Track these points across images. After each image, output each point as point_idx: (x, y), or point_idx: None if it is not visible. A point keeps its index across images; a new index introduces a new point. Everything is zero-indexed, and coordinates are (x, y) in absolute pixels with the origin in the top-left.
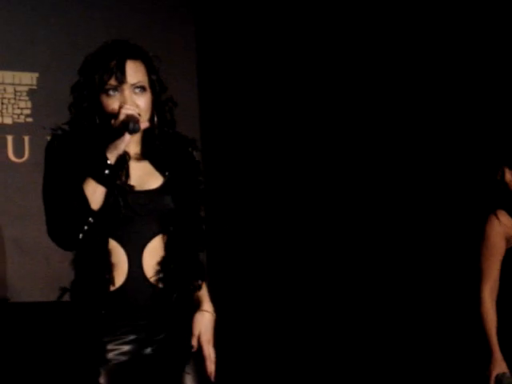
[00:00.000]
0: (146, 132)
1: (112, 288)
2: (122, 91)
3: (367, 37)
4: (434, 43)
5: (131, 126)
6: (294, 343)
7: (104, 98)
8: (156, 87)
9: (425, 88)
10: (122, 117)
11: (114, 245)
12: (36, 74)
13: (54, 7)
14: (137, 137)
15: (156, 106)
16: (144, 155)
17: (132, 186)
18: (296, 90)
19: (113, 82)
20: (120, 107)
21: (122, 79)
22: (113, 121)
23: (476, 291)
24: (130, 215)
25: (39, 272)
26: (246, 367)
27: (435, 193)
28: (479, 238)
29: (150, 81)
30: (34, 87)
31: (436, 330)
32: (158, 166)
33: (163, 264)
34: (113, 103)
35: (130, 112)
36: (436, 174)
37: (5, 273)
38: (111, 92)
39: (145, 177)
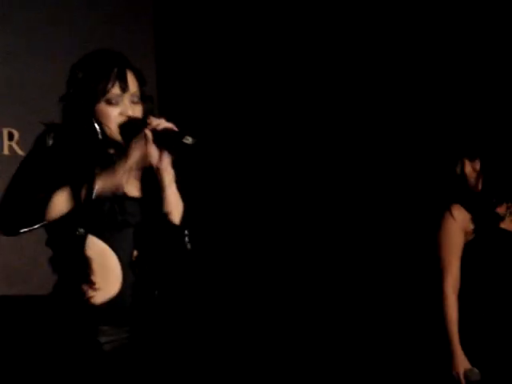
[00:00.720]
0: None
1: (106, 297)
2: (122, 100)
3: (359, 32)
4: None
5: (190, 140)
6: (290, 343)
7: (104, 107)
8: (145, 98)
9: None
10: (159, 128)
11: (106, 250)
12: None
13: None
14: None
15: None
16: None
17: (126, 192)
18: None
19: (116, 91)
20: (148, 121)
21: (124, 88)
22: (148, 133)
23: (437, 287)
24: (122, 222)
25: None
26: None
27: (392, 186)
28: (437, 233)
29: (141, 92)
30: None
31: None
32: (144, 174)
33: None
34: (113, 111)
35: (166, 125)
36: (391, 168)
37: None
38: (113, 101)
39: (134, 183)
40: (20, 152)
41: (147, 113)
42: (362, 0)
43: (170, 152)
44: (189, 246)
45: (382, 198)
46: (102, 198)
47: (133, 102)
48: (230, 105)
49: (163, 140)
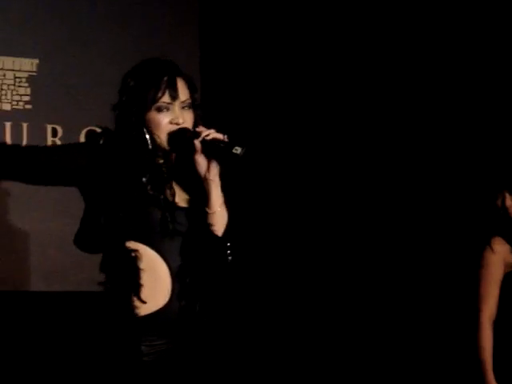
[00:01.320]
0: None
1: (155, 307)
2: (172, 107)
3: (371, 34)
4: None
5: (239, 151)
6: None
7: (154, 115)
8: (196, 105)
9: (428, 105)
10: (208, 138)
11: (158, 259)
12: (36, 61)
13: None
14: (171, 153)
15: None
16: (179, 172)
17: (174, 202)
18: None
19: (166, 99)
20: (185, 131)
21: (174, 96)
22: (198, 143)
23: (474, 316)
24: (172, 231)
25: (38, 262)
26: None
27: (435, 217)
28: (477, 265)
29: (192, 99)
30: (34, 74)
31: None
32: (193, 184)
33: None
34: (163, 119)
35: (216, 135)
36: (436, 198)
37: (15, 264)
38: (163, 109)
39: (181, 194)
40: None
41: (197, 121)
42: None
43: (219, 162)
44: (230, 258)
45: (426, 224)
46: (153, 207)
47: (183, 110)
48: (273, 112)
49: (212, 150)
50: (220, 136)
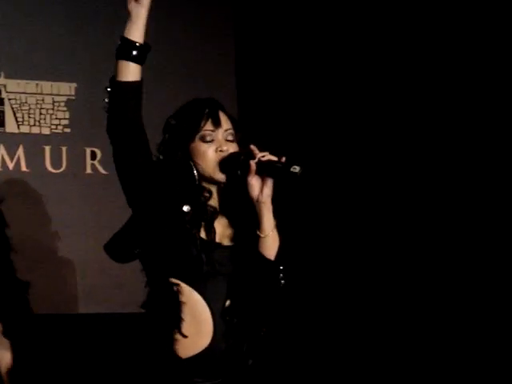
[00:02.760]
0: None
1: (197, 349)
2: (216, 136)
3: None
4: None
5: (297, 170)
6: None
7: (199, 145)
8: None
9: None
10: (264, 159)
11: (199, 301)
12: (74, 84)
13: (93, 18)
14: (216, 187)
15: None
16: (223, 208)
17: (215, 241)
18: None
19: (208, 127)
20: (239, 155)
21: (217, 123)
22: (253, 164)
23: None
24: (212, 271)
25: (74, 284)
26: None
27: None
28: None
29: (237, 136)
30: (73, 97)
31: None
32: (237, 220)
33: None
34: (209, 148)
35: (270, 157)
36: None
37: (44, 285)
38: (207, 138)
39: (225, 231)
40: (102, 171)
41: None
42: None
43: (276, 182)
44: (283, 282)
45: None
46: (190, 246)
47: (227, 140)
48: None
49: (269, 171)
50: (275, 158)
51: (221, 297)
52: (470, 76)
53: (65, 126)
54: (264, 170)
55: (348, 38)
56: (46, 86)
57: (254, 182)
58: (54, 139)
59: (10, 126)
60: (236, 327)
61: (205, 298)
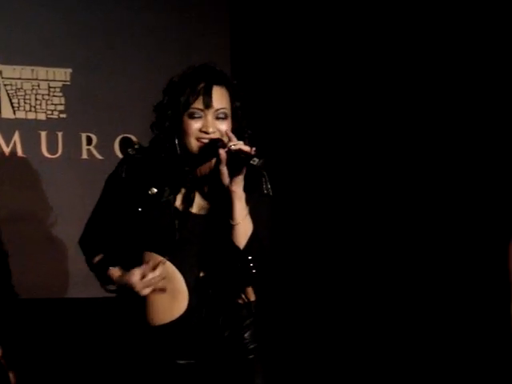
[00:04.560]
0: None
1: (171, 318)
2: (205, 115)
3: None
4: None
5: (256, 161)
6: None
7: (187, 120)
8: (238, 114)
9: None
10: (234, 148)
11: (174, 272)
12: (70, 70)
13: (88, 3)
14: (199, 162)
15: (236, 133)
16: (205, 181)
17: (191, 211)
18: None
19: (199, 105)
20: (217, 142)
21: (208, 103)
22: (223, 152)
23: (505, 300)
24: (186, 239)
25: (71, 268)
26: None
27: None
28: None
29: (233, 108)
30: (68, 83)
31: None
32: (219, 195)
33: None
34: (194, 125)
35: (241, 147)
36: (459, 192)
37: (40, 270)
38: (196, 115)
39: (204, 204)
40: (98, 156)
41: (225, 132)
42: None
43: (238, 173)
44: (254, 271)
45: (457, 207)
46: (167, 215)
47: (217, 119)
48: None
49: (234, 161)
50: (247, 148)
51: (196, 268)
52: (470, 76)
53: (60, 112)
54: (232, 160)
55: (346, 33)
56: (42, 71)
57: (225, 171)
58: (49, 125)
59: (6, 112)
60: (210, 298)
61: (180, 269)
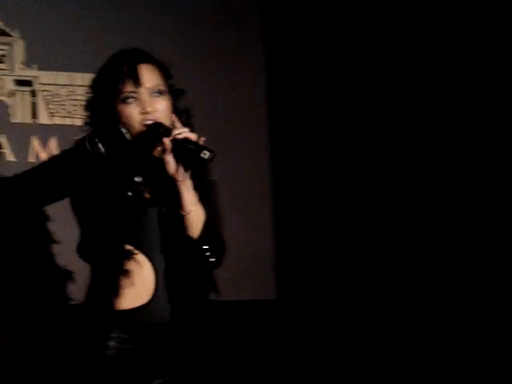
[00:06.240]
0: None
1: (138, 303)
2: (139, 96)
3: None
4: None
5: (207, 155)
6: None
7: (122, 107)
8: (174, 92)
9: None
10: (180, 137)
11: (142, 259)
12: None
13: (122, 10)
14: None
15: (175, 111)
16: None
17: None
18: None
19: (128, 88)
20: (160, 127)
21: (137, 84)
22: (168, 142)
23: None
24: (143, 223)
25: None
26: None
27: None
28: None
29: (168, 85)
30: None
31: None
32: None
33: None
34: (132, 110)
35: (187, 135)
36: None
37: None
38: (129, 100)
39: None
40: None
41: (166, 112)
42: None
43: (186, 165)
44: (212, 259)
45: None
46: (129, 206)
47: (152, 97)
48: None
49: (181, 151)
50: (193, 136)
51: (164, 256)
52: (471, 76)
53: None
54: (177, 150)
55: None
56: (78, 77)
57: (170, 159)
58: (86, 130)
59: (43, 118)
60: (175, 286)
61: (148, 257)
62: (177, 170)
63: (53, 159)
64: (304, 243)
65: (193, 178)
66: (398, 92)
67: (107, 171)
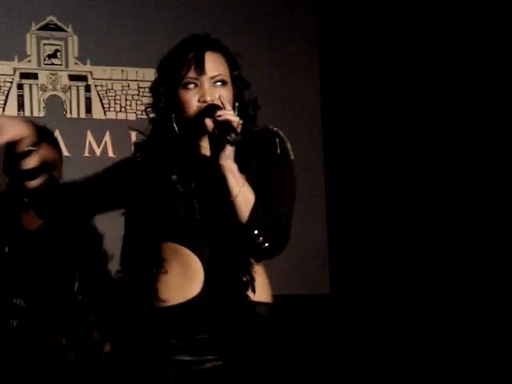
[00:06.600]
0: None
1: (186, 298)
2: (201, 84)
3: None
4: None
5: (232, 137)
6: None
7: (182, 93)
8: (238, 83)
9: None
10: (219, 119)
11: (189, 254)
12: None
13: (174, 5)
14: (206, 137)
15: (238, 102)
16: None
17: (203, 191)
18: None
19: (191, 74)
20: (213, 108)
21: (200, 71)
22: (209, 122)
23: None
24: (201, 223)
25: None
26: None
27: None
28: None
29: (232, 76)
30: None
31: None
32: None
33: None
34: (192, 97)
35: (229, 117)
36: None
37: None
38: (190, 86)
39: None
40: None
41: (218, 97)
42: None
43: (220, 147)
44: (265, 245)
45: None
46: (179, 201)
47: (214, 86)
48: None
49: (218, 131)
50: (234, 118)
51: (208, 249)
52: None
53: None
54: (220, 131)
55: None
56: (132, 72)
57: (210, 140)
58: (140, 125)
59: (97, 113)
60: (223, 277)
61: (195, 251)
62: (219, 152)
63: (101, 172)
64: (358, 238)
65: (251, 156)
66: (457, 90)
67: (152, 175)
